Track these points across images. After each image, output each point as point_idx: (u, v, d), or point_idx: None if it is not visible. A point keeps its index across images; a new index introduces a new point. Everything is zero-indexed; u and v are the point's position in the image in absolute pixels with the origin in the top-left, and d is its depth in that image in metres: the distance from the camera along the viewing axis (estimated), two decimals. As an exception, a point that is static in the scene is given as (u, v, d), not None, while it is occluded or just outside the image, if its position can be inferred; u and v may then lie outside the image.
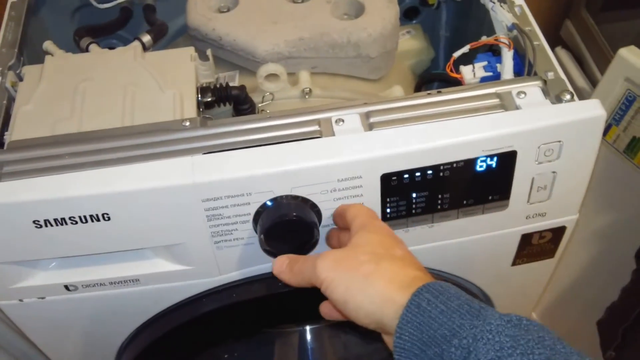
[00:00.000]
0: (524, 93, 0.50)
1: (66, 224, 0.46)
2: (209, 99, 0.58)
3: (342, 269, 0.41)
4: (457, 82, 0.58)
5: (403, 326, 0.37)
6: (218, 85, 0.59)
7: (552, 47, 1.13)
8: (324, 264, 0.42)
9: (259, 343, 0.81)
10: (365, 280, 0.40)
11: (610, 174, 0.89)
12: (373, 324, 0.40)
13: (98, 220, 0.46)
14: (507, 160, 0.49)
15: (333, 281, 0.41)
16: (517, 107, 0.50)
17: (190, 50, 0.59)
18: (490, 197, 0.52)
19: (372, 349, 0.82)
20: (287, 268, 0.46)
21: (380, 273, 0.40)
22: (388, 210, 0.51)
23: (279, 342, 0.83)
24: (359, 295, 0.40)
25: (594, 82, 1.00)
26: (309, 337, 0.83)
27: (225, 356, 0.79)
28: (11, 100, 0.56)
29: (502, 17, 0.59)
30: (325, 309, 0.48)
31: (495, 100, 0.51)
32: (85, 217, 0.46)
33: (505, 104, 0.50)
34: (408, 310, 0.37)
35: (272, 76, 0.63)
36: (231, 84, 0.61)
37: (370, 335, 0.83)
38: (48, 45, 0.62)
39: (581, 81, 1.03)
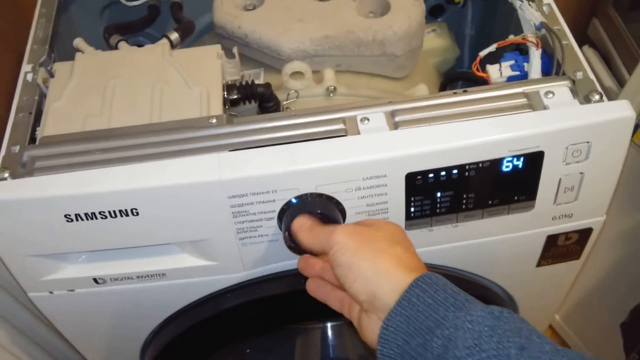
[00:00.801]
0: (552, 93, 0.50)
1: (96, 218, 0.47)
2: (235, 97, 0.58)
3: (358, 239, 0.42)
4: (483, 82, 0.57)
5: (392, 318, 0.38)
6: (244, 83, 0.59)
7: (579, 46, 1.12)
8: (343, 230, 0.43)
9: (281, 338, 0.81)
10: (376, 253, 0.41)
11: (637, 174, 0.87)
12: (365, 295, 0.40)
13: (127, 215, 0.47)
14: (534, 160, 0.49)
15: (345, 245, 0.42)
16: (544, 107, 0.49)
17: (216, 48, 0.60)
18: (516, 198, 0.52)
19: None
20: (307, 228, 0.46)
21: (391, 253, 0.41)
22: (412, 209, 0.51)
23: (300, 338, 0.84)
24: (364, 263, 0.41)
25: (621, 82, 0.98)
26: (330, 333, 0.84)
27: (247, 351, 0.80)
28: (42, 96, 0.57)
29: (530, 15, 0.58)
30: (312, 283, 0.48)
31: (523, 100, 0.50)
32: (114, 212, 0.47)
33: (533, 103, 0.50)
34: (399, 304, 0.38)
35: (297, 74, 0.64)
36: (256, 82, 0.61)
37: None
38: (78, 42, 0.63)
39: (608, 81, 1.01)
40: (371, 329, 0.41)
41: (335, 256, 0.42)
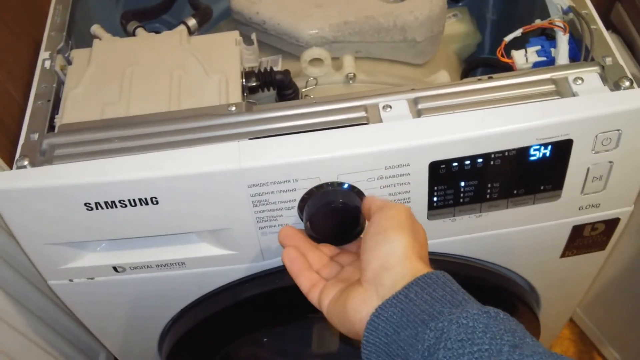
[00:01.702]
0: (581, 79, 0.48)
1: (116, 207, 0.47)
2: (254, 84, 0.58)
3: (412, 220, 0.43)
4: (507, 68, 0.56)
5: (385, 307, 0.38)
6: (262, 70, 0.59)
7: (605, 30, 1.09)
8: (402, 207, 0.43)
9: (297, 327, 0.81)
10: (414, 236, 0.41)
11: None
12: (379, 264, 0.40)
13: (147, 204, 0.47)
14: (562, 149, 0.47)
15: (401, 214, 0.42)
16: (573, 94, 0.48)
17: (235, 35, 0.59)
18: (542, 187, 0.50)
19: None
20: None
21: (421, 242, 0.42)
22: (435, 198, 0.50)
23: (317, 327, 0.83)
24: (401, 235, 0.41)
25: (646, 68, 0.96)
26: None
27: (264, 339, 0.80)
28: (60, 83, 0.57)
29: (557, -1, 0.56)
30: (292, 254, 0.47)
31: (551, 87, 0.49)
32: (134, 200, 0.47)
33: (561, 90, 0.48)
34: (395, 297, 0.38)
35: (316, 61, 0.63)
36: (274, 68, 0.60)
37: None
38: (96, 29, 0.63)
39: (632, 67, 0.99)
40: (361, 303, 0.40)
41: (384, 213, 0.42)
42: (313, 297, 0.45)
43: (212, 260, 0.53)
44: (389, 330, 0.38)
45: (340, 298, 0.42)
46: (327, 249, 0.49)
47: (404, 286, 0.38)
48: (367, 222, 0.47)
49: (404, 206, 0.43)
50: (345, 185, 0.48)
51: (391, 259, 0.40)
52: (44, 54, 0.58)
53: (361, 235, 0.49)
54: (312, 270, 0.46)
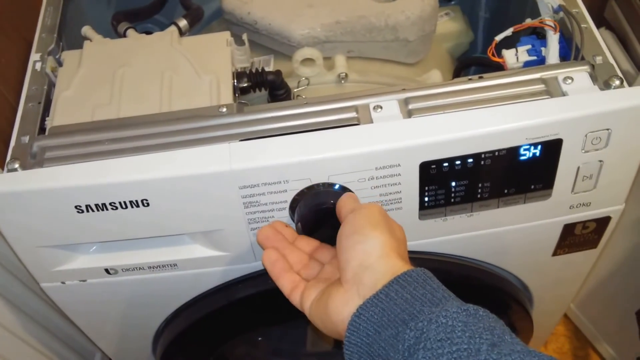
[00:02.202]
0: (571, 78, 0.48)
1: (107, 209, 0.47)
2: (245, 85, 0.58)
3: (384, 216, 0.43)
4: (498, 67, 0.56)
5: (366, 307, 0.38)
6: (254, 71, 0.58)
7: (596, 28, 1.09)
8: (375, 205, 0.43)
9: (292, 326, 0.81)
10: (390, 233, 0.41)
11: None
12: (356, 261, 0.40)
13: (137, 206, 0.47)
14: (552, 148, 0.48)
15: (372, 212, 0.42)
16: (563, 94, 0.48)
17: (226, 35, 0.59)
18: (532, 187, 0.50)
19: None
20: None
21: (398, 239, 0.42)
22: (426, 199, 0.50)
23: (312, 326, 0.84)
24: (376, 233, 0.41)
25: (638, 65, 0.96)
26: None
27: (259, 339, 0.80)
28: (51, 85, 0.57)
29: (547, -2, 0.56)
30: (272, 256, 0.46)
31: (541, 86, 0.49)
32: (124, 202, 0.47)
33: (551, 89, 0.48)
34: (375, 297, 0.38)
35: (307, 61, 0.63)
36: (266, 69, 0.60)
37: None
38: (86, 30, 0.62)
39: (625, 64, 0.99)
40: (343, 304, 0.40)
41: (357, 213, 0.42)
42: (295, 299, 0.45)
43: (204, 261, 0.53)
44: (370, 330, 0.38)
45: (321, 299, 0.42)
46: (306, 245, 0.48)
47: (384, 285, 0.38)
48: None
49: (376, 205, 0.43)
50: (336, 186, 0.48)
51: (369, 257, 0.40)
52: (34, 56, 0.58)
53: None
54: (293, 271, 0.46)
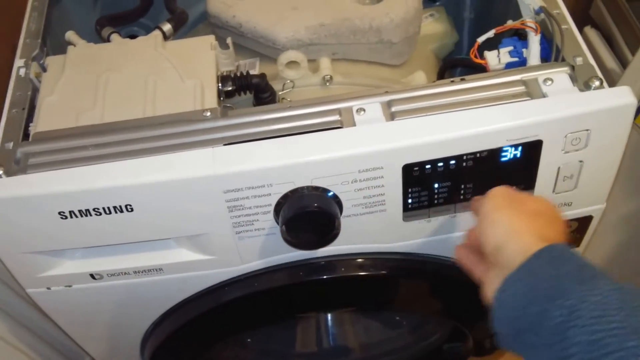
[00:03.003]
0: (551, 80, 0.49)
1: (90, 215, 0.47)
2: (230, 88, 0.58)
3: (508, 198, 0.45)
4: (481, 68, 0.56)
5: (510, 282, 0.39)
6: (238, 74, 0.59)
7: (582, 27, 1.10)
8: (499, 187, 0.46)
9: (281, 327, 0.81)
10: (517, 213, 0.43)
11: (638, 158, 0.86)
12: (490, 246, 0.42)
13: (121, 211, 0.47)
14: (533, 149, 0.48)
15: (494, 196, 0.45)
16: (543, 95, 0.48)
17: (210, 39, 0.59)
18: (514, 187, 0.51)
19: (394, 335, 0.82)
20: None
21: (531, 219, 0.43)
22: (410, 200, 0.50)
23: (301, 326, 0.84)
24: (502, 217, 0.43)
25: (624, 63, 0.97)
26: (330, 321, 0.84)
27: (248, 340, 0.80)
28: (36, 91, 0.57)
29: (529, 0, 0.57)
30: (462, 250, 0.49)
31: (521, 88, 0.49)
32: (108, 208, 0.47)
33: (531, 91, 0.49)
34: (519, 270, 0.39)
35: (292, 63, 0.63)
36: (252, 72, 0.60)
37: (392, 322, 0.83)
38: (70, 35, 0.62)
39: (611, 62, 1.00)
40: (491, 285, 0.41)
41: (483, 203, 0.44)
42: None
43: (189, 265, 0.53)
44: (516, 305, 0.38)
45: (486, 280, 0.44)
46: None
47: (526, 259, 0.39)
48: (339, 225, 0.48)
49: (499, 187, 0.46)
50: (320, 190, 0.48)
51: (498, 239, 0.41)
52: (19, 62, 0.58)
53: None
54: (483, 261, 0.46)
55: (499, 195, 0.45)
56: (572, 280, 0.37)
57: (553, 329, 0.36)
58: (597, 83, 0.49)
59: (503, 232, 0.42)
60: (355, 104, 0.50)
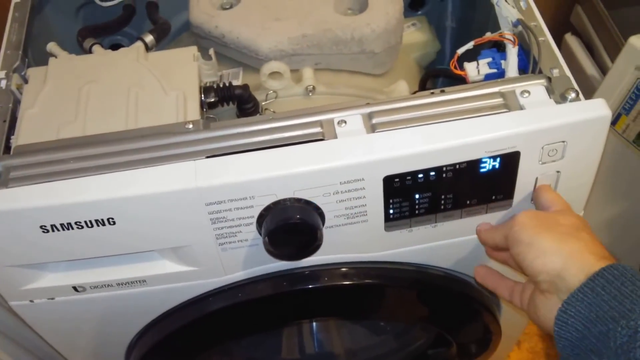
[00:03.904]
0: (528, 92, 0.50)
1: (72, 228, 0.47)
2: (213, 100, 0.58)
3: (539, 220, 0.44)
4: (461, 79, 0.57)
5: (571, 302, 0.39)
6: (221, 85, 0.59)
7: (562, 34, 1.11)
8: (524, 213, 0.46)
9: (266, 334, 0.82)
10: (561, 235, 0.43)
11: (619, 163, 0.88)
12: (546, 274, 0.42)
13: (103, 224, 0.47)
14: (511, 161, 0.49)
15: (526, 224, 0.44)
16: (520, 107, 0.49)
17: (192, 50, 0.59)
18: (493, 197, 0.52)
19: (379, 341, 0.83)
20: (489, 226, 0.51)
21: (578, 237, 0.43)
22: (391, 211, 0.51)
23: (286, 333, 0.84)
24: (547, 243, 0.42)
25: (604, 70, 0.98)
26: (315, 328, 0.84)
27: (233, 348, 0.80)
28: (17, 103, 0.56)
29: (507, 12, 0.58)
30: (482, 271, 0.51)
31: (499, 100, 0.50)
32: (90, 221, 0.47)
33: (509, 103, 0.50)
34: (580, 290, 0.39)
35: (275, 74, 0.63)
36: (235, 82, 0.61)
37: (377, 328, 0.83)
38: (52, 46, 0.62)
39: (591, 68, 1.01)
40: (548, 310, 0.41)
41: (517, 234, 0.44)
42: (516, 302, 0.47)
43: (173, 276, 0.54)
44: (579, 326, 0.39)
45: (531, 303, 0.44)
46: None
47: (588, 278, 0.39)
48: (321, 237, 0.49)
49: (522, 214, 0.45)
50: (302, 201, 0.49)
51: (557, 264, 0.41)
52: (-1, 73, 0.58)
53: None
54: (506, 278, 0.48)
55: (530, 221, 0.44)
56: (635, 300, 0.37)
57: (617, 349, 0.36)
58: (573, 95, 0.50)
59: (559, 259, 0.41)
60: (336, 116, 0.50)
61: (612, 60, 0.93)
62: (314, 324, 0.82)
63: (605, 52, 0.99)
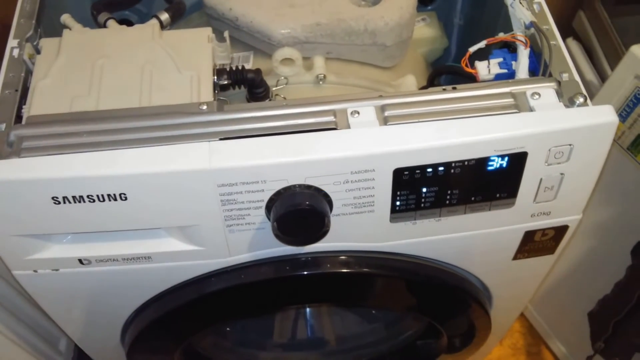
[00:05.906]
0: (538, 94, 0.51)
1: (84, 201, 0.47)
2: (225, 82, 0.58)
3: None
4: (471, 77, 0.58)
5: None
6: (234, 68, 0.59)
7: (564, 38, 1.13)
8: None
9: (260, 317, 0.83)
10: None
11: (613, 169, 0.90)
12: None
13: (115, 199, 0.47)
14: (518, 160, 0.50)
15: None
16: (530, 109, 0.50)
17: (207, 31, 0.60)
18: (498, 195, 0.53)
19: (371, 329, 0.84)
20: None
21: None
22: (398, 203, 0.52)
23: (279, 317, 0.85)
24: None
25: (602, 76, 1.00)
26: (308, 314, 0.86)
27: (227, 329, 0.81)
28: (29, 72, 0.56)
29: (520, 14, 0.59)
30: None
31: (510, 100, 0.51)
32: (103, 196, 0.47)
33: (519, 104, 0.51)
34: None
35: (287, 60, 0.64)
36: (245, 65, 0.61)
37: (369, 316, 0.85)
38: (66, 18, 0.62)
39: (590, 74, 1.03)
40: None
41: None
42: None
43: (178, 255, 0.54)
44: None
45: None
46: None
47: None
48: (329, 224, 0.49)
49: None
50: (312, 188, 0.49)
51: None
52: (12, 42, 0.57)
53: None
54: None
55: None
56: None
57: None
58: (581, 100, 0.51)
59: None
60: (349, 106, 0.51)
61: (612, 67, 0.94)
62: (307, 309, 0.83)
63: (605, 58, 1.01)
